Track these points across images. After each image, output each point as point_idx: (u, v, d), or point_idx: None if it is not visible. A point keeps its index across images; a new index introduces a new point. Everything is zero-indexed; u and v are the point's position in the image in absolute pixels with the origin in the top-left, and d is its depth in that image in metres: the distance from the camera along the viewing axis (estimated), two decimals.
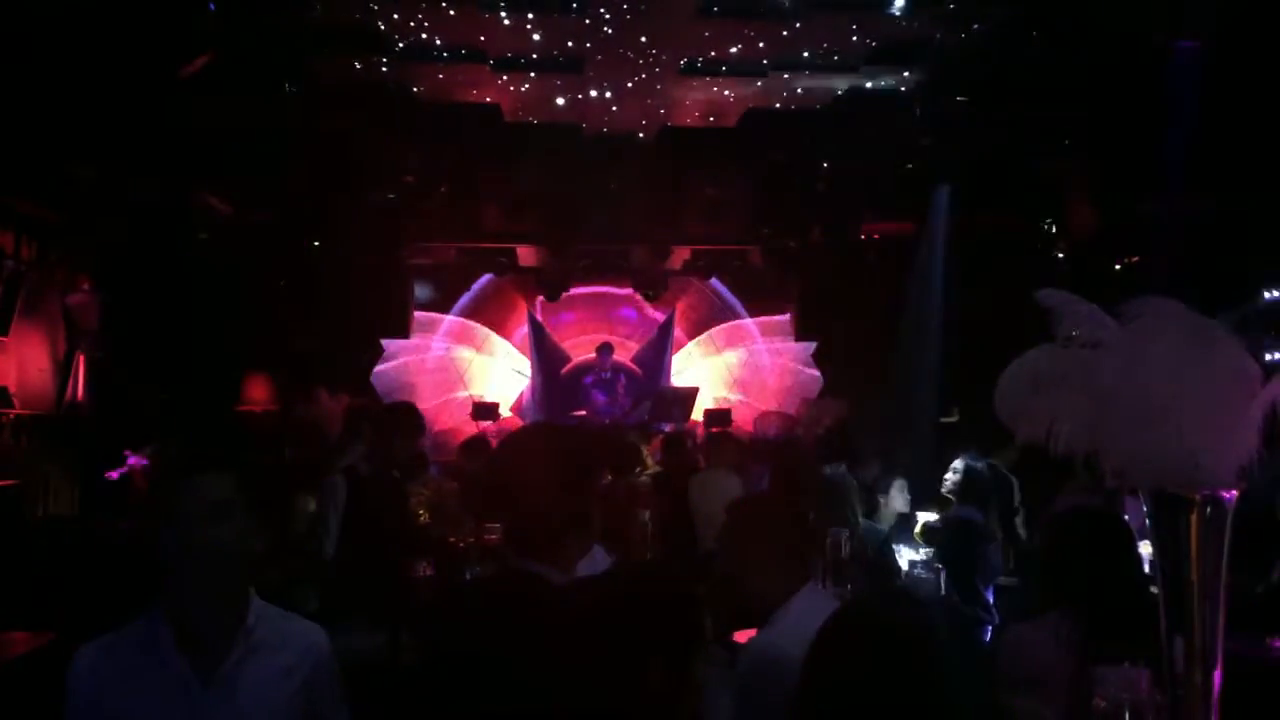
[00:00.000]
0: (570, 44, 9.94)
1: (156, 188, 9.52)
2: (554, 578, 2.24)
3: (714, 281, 13.91)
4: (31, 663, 4.30)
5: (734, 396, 13.59)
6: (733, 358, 13.88)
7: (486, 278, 13.66)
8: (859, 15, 9.28)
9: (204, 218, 10.66)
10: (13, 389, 8.89)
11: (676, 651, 1.78)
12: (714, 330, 13.96)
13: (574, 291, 13.68)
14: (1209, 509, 1.67)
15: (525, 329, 13.78)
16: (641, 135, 12.14)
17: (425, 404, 12.75)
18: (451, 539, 6.07)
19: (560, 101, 11.29)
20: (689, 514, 6.59)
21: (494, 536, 5.68)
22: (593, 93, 11.01)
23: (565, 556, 2.34)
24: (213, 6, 8.16)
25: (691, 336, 14.04)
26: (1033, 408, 1.86)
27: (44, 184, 8.73)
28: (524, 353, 13.80)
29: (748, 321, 13.92)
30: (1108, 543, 2.99)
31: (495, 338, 13.66)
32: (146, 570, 2.21)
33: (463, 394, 12.83)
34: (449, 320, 13.54)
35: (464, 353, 13.50)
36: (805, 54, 10.04)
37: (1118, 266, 10.92)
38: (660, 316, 13.94)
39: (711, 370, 13.79)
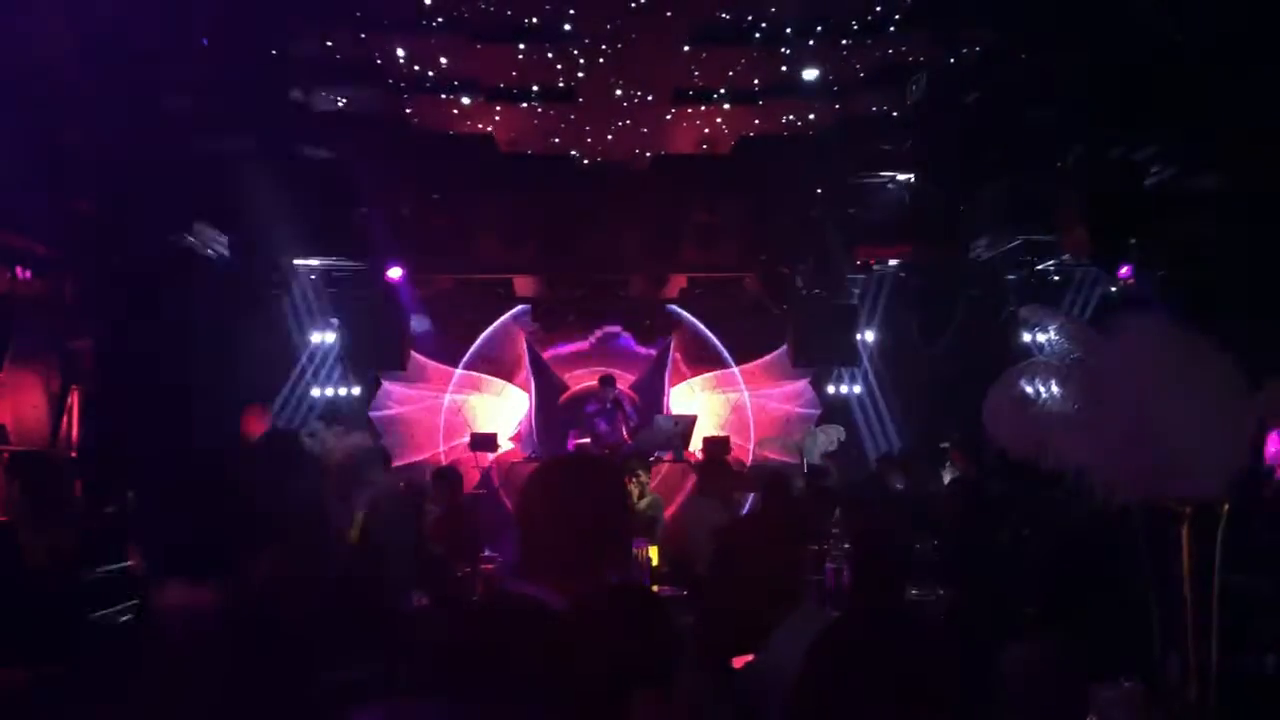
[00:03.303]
0: (563, 74, 9.98)
1: (152, 222, 9.50)
2: (553, 601, 2.23)
3: (702, 328, 13.91)
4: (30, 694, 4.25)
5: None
6: (722, 399, 13.88)
7: (499, 322, 13.70)
8: (850, 41, 9.33)
9: (199, 253, 10.62)
10: (9, 426, 8.83)
11: (659, 675, 1.76)
12: (713, 374, 13.95)
13: (571, 320, 13.70)
14: (1199, 522, 1.65)
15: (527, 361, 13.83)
16: (635, 164, 12.17)
17: (430, 448, 12.83)
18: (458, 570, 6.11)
19: (554, 131, 11.33)
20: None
21: (489, 566, 5.72)
22: (586, 123, 11.05)
23: (575, 582, 2.31)
24: (205, 41, 8.19)
25: (688, 364, 13.99)
26: (1022, 425, 1.86)
27: (39, 219, 8.69)
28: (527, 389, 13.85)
29: (734, 372, 13.93)
30: (1104, 562, 2.97)
31: (490, 379, 13.71)
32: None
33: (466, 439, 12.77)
34: (450, 371, 13.61)
35: (464, 397, 13.53)
36: (797, 80, 10.07)
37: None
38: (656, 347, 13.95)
39: (708, 404, 13.75)
